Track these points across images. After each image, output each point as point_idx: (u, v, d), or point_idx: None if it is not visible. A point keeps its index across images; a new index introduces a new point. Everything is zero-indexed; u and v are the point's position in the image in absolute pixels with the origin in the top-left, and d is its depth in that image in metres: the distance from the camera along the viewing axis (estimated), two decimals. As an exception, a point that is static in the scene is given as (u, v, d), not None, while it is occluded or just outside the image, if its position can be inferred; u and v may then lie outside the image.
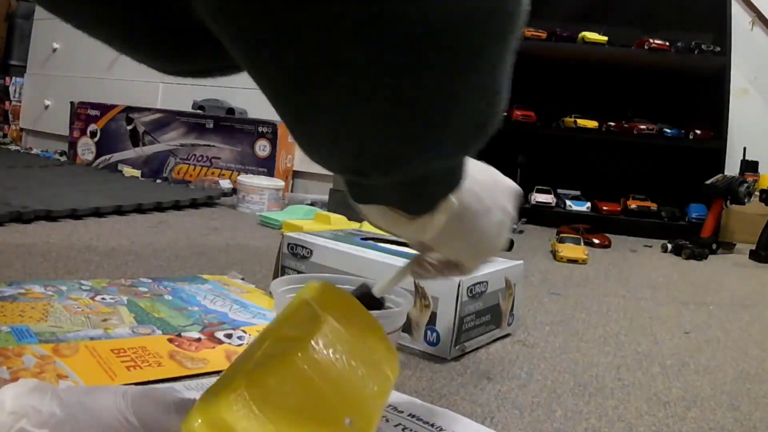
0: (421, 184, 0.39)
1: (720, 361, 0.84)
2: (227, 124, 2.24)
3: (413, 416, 0.57)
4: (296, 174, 2.31)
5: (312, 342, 0.36)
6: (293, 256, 0.88)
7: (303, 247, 0.87)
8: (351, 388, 0.37)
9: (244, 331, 0.73)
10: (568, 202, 2.22)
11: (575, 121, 2.25)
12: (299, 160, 2.29)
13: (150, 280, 0.90)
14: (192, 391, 0.55)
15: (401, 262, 0.81)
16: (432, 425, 0.55)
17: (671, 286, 1.34)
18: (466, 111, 0.30)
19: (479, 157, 0.38)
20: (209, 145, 2.25)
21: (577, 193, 2.30)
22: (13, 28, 3.20)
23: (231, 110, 2.32)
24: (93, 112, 2.45)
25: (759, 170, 2.24)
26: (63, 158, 2.58)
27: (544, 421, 0.60)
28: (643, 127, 2.20)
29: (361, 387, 0.38)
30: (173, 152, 2.30)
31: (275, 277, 0.88)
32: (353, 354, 0.38)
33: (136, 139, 2.37)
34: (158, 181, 2.25)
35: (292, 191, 2.24)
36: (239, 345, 0.69)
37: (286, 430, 0.32)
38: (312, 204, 1.87)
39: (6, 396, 0.33)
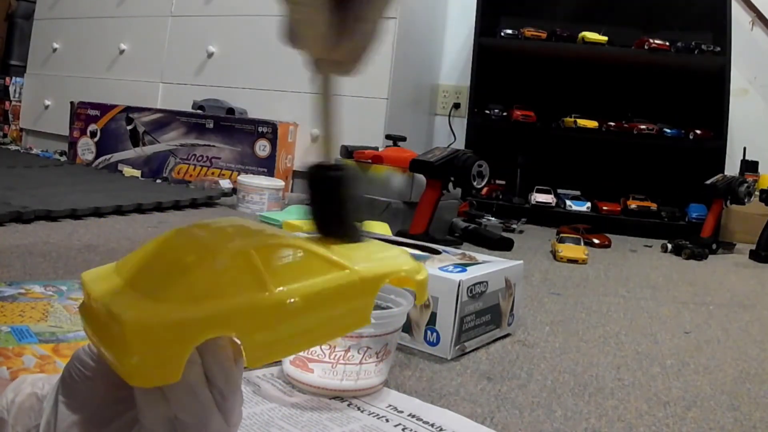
0: None
1: (720, 361, 0.84)
2: (227, 124, 2.24)
3: (413, 416, 0.57)
4: (296, 174, 2.31)
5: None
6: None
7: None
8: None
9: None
10: (568, 202, 2.22)
11: (575, 121, 2.24)
12: (299, 160, 2.29)
13: (150, 280, 0.90)
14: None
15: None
16: (432, 425, 0.55)
17: (671, 286, 1.34)
18: None
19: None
20: (209, 145, 2.25)
21: (577, 193, 2.30)
22: (13, 28, 3.20)
23: (231, 110, 2.32)
24: (93, 112, 2.45)
25: (759, 170, 2.24)
26: (63, 158, 2.58)
27: (544, 421, 0.60)
28: (643, 127, 2.20)
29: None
30: (173, 152, 2.30)
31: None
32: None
33: (136, 139, 2.36)
34: (158, 181, 2.25)
35: (292, 191, 2.24)
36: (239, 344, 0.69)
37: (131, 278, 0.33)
38: (312, 204, 1.87)
39: (28, 376, 0.40)
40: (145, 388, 0.32)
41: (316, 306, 0.34)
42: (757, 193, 1.93)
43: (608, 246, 1.81)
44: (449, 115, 2.65)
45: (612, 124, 2.23)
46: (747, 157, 2.27)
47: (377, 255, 0.39)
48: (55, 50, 2.81)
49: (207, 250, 0.33)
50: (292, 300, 0.33)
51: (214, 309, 0.31)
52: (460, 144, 2.42)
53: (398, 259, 0.40)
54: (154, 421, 0.33)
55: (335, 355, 0.59)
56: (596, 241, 1.80)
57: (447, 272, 0.75)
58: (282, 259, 0.34)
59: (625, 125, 2.22)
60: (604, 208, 2.19)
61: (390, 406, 0.59)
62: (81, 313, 0.34)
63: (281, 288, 0.33)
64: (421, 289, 0.41)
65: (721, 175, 1.93)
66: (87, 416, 0.35)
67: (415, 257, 0.81)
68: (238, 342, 0.34)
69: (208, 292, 0.31)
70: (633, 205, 2.17)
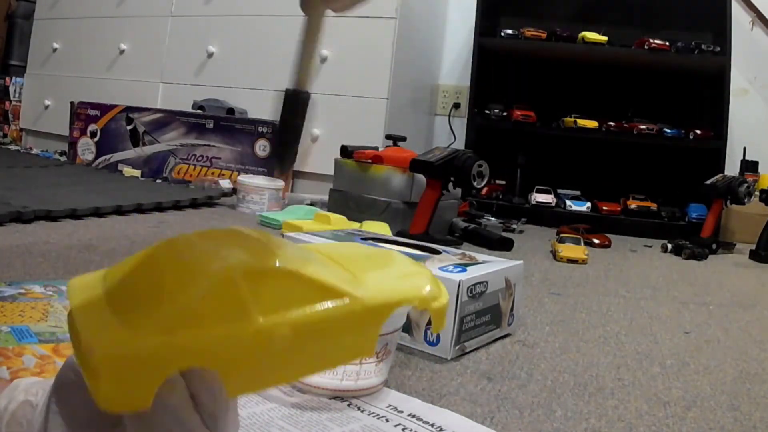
0: None
1: (720, 361, 0.84)
2: (227, 124, 2.24)
3: (413, 416, 0.57)
4: (296, 174, 2.31)
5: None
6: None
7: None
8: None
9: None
10: (568, 202, 2.22)
11: (575, 121, 2.24)
12: (299, 160, 2.29)
13: (150, 280, 0.90)
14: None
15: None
16: (432, 425, 0.55)
17: (671, 286, 1.34)
18: None
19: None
20: (209, 145, 2.25)
21: (577, 193, 2.30)
22: (13, 28, 3.19)
23: (231, 110, 2.32)
24: (93, 112, 2.45)
25: (759, 170, 2.24)
26: (63, 158, 2.58)
27: (544, 421, 0.60)
28: (643, 127, 2.20)
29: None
30: (173, 152, 2.30)
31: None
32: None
33: (136, 139, 2.36)
34: (158, 181, 2.25)
35: (292, 191, 2.24)
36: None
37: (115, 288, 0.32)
38: (312, 204, 1.87)
39: (22, 380, 0.39)
40: (131, 413, 0.31)
41: (309, 337, 0.32)
42: (757, 193, 1.93)
43: (608, 246, 1.81)
44: (449, 115, 2.65)
45: (612, 124, 2.23)
46: (747, 157, 2.27)
47: (394, 273, 0.37)
48: (55, 50, 2.81)
49: (189, 273, 0.31)
50: (279, 332, 0.31)
51: (189, 340, 0.29)
52: (460, 144, 2.42)
53: (417, 280, 0.38)
54: None
55: (335, 355, 0.59)
56: (596, 241, 1.80)
57: (447, 272, 0.75)
58: (272, 285, 0.32)
59: (625, 125, 2.22)
60: (604, 208, 2.19)
61: (390, 406, 0.59)
62: (68, 320, 0.33)
63: (267, 318, 0.31)
64: (439, 316, 0.39)
65: (721, 175, 1.93)
66: (78, 426, 0.35)
67: (415, 257, 0.82)
68: None
69: (183, 322, 0.29)
70: (633, 205, 2.18)
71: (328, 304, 0.32)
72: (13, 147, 2.87)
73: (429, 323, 0.75)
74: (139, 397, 0.29)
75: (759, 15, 2.37)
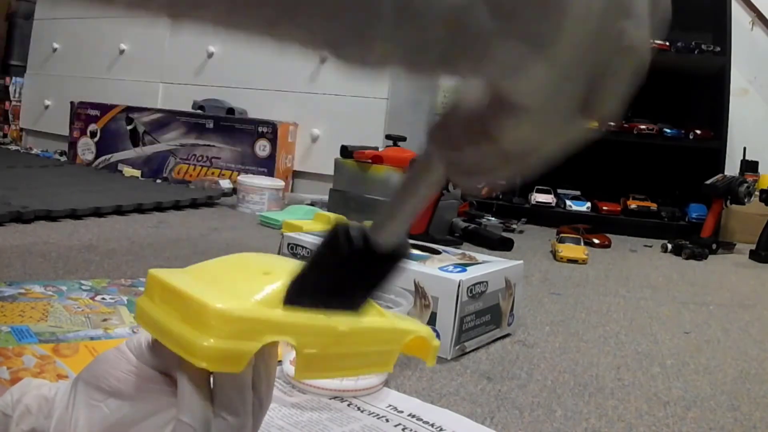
0: None
1: (720, 361, 0.84)
2: (227, 124, 2.24)
3: (413, 416, 0.57)
4: (296, 174, 2.31)
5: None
6: (293, 256, 0.88)
7: (303, 247, 0.87)
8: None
9: (244, 331, 0.73)
10: (568, 202, 2.22)
11: (575, 121, 2.24)
12: (299, 160, 2.29)
13: (150, 280, 0.90)
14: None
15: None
16: (432, 425, 0.55)
17: (671, 286, 1.34)
18: None
19: None
20: (209, 145, 2.25)
21: (577, 193, 2.30)
22: (13, 28, 3.20)
23: (231, 110, 2.32)
24: (93, 112, 2.45)
25: (759, 170, 2.24)
26: (63, 158, 2.58)
27: (544, 421, 0.60)
28: (643, 127, 2.19)
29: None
30: (173, 152, 2.30)
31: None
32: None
33: (136, 139, 2.36)
34: (158, 181, 2.25)
35: (292, 191, 2.24)
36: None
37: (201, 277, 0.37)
38: (312, 204, 1.87)
39: (33, 380, 0.40)
40: (194, 385, 0.35)
41: (358, 340, 0.38)
42: (757, 193, 1.93)
43: (608, 246, 1.81)
44: (449, 115, 2.65)
45: (612, 123, 2.23)
46: (747, 157, 2.27)
47: (396, 317, 0.44)
48: (55, 50, 2.81)
49: (281, 268, 0.37)
50: (341, 327, 0.37)
51: (285, 316, 0.35)
52: (460, 144, 2.42)
53: (416, 323, 0.45)
54: (195, 419, 0.34)
55: (335, 355, 0.59)
56: (596, 241, 1.80)
57: (447, 272, 0.75)
58: None
59: (625, 125, 2.22)
60: (604, 208, 2.19)
61: (390, 406, 0.59)
62: (140, 304, 0.37)
63: (335, 316, 0.37)
64: (434, 354, 0.44)
65: (721, 175, 1.93)
66: (116, 414, 0.35)
67: (415, 257, 0.82)
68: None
69: (276, 303, 0.35)
70: (633, 205, 2.17)
71: (373, 318, 0.39)
72: (13, 147, 2.87)
73: (429, 323, 0.75)
74: (237, 360, 0.33)
75: (759, 15, 2.37)
